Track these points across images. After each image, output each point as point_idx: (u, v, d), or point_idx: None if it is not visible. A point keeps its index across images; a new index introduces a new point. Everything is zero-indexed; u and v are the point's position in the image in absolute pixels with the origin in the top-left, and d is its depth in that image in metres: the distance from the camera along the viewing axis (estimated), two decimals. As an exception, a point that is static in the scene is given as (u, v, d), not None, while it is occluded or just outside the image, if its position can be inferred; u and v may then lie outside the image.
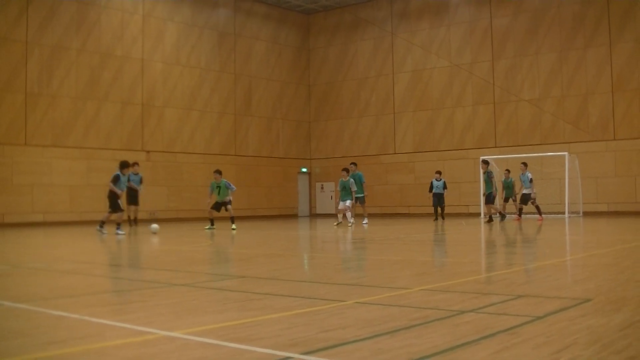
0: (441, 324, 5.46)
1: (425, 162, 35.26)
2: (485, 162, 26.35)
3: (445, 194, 28.62)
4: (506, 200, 27.34)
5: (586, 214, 30.46)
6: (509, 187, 26.99)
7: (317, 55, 40.87)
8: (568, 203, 29.78)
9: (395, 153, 37.33)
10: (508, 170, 27.41)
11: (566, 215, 29.40)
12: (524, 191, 26.86)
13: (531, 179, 26.78)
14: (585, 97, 31.86)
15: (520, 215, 27.19)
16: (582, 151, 31.29)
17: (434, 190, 28.55)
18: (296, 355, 4.34)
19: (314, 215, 39.98)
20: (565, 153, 30.10)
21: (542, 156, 31.18)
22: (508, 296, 6.81)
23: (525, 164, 27.17)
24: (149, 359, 4.37)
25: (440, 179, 28.33)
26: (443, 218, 28.58)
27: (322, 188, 40.46)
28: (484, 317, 5.79)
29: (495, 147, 33.78)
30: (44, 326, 5.69)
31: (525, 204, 27.02)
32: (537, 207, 26.95)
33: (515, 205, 27.46)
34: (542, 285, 7.84)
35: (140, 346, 4.81)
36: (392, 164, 37.21)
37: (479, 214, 28.88)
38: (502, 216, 26.55)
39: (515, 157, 30.47)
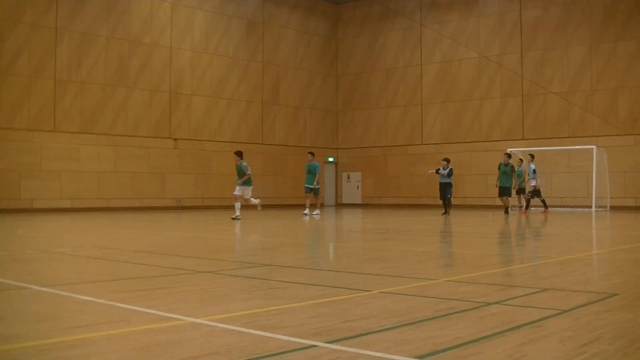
0: (466, 315, 5.45)
1: (452, 154, 35.09)
2: (508, 155, 26.23)
3: (451, 181, 26.56)
4: (518, 192, 27.20)
5: (613, 208, 30.23)
6: (519, 176, 26.85)
7: (346, 45, 40.79)
8: (595, 197, 29.58)
9: (422, 144, 37.20)
10: (521, 160, 27.47)
11: (593, 209, 29.20)
12: (532, 183, 26.84)
13: (534, 169, 26.70)
14: (614, 91, 31.54)
15: (527, 208, 27.18)
16: (611, 145, 31.01)
17: (440, 180, 26.64)
18: (320, 344, 4.35)
19: (339, 205, 39.98)
20: (594, 147, 29.88)
21: (570, 149, 30.98)
22: (533, 289, 6.78)
23: (532, 156, 27.13)
24: (174, 345, 4.39)
25: (447, 167, 26.38)
26: (447, 212, 26.10)
27: (348, 178, 40.43)
28: (509, 309, 5.76)
29: (523, 139, 33.54)
30: (70, 310, 5.74)
31: (536, 197, 27.04)
32: (543, 200, 27.09)
33: (523, 199, 27.40)
34: (568, 278, 7.78)
35: (165, 332, 4.83)
36: (419, 155, 37.08)
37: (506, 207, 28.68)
38: (507, 209, 26.25)
39: (542, 149, 30.29)
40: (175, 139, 32.36)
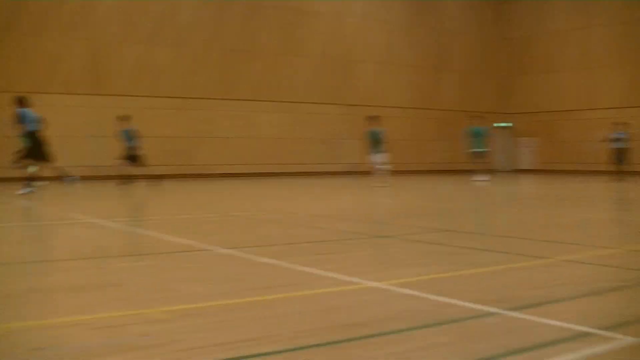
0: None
1: (633, 119, 33.42)
2: None
3: (627, 146, 25.40)
4: None
5: None
6: None
7: (516, 8, 39.53)
8: None
9: (599, 109, 35.63)
10: None
11: None
12: None
13: None
14: None
15: None
16: None
17: (614, 145, 25.51)
18: (502, 311, 4.27)
19: (514, 171, 39.13)
20: None
21: None
22: None
23: None
24: (354, 308, 4.44)
25: (623, 132, 25.33)
26: (622, 177, 24.96)
27: (521, 143, 39.45)
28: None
29: None
30: (250, 273, 5.91)
31: None
32: None
33: None
34: None
35: (345, 295, 4.89)
36: (596, 120, 35.53)
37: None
38: None
39: None
40: (347, 106, 32.57)
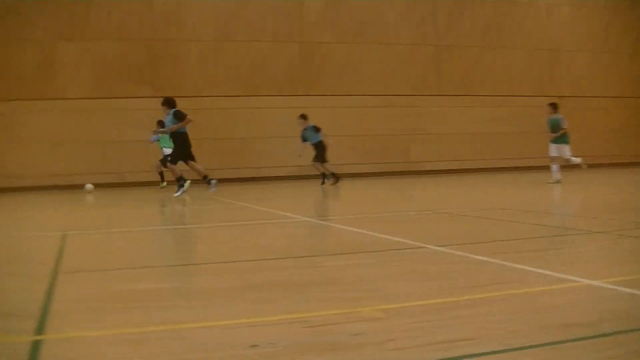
0: None
1: None
2: None
3: None
4: None
5: None
6: None
7: None
8: None
9: None
10: None
11: None
12: None
13: None
14: None
15: None
16: None
17: None
18: None
19: None
20: None
21: None
22: None
23: None
24: (568, 308, 4.30)
25: None
26: None
27: None
28: None
29: None
30: (467, 270, 5.85)
31: None
32: None
33: None
34: None
35: (561, 294, 4.74)
36: None
37: None
38: None
39: None
40: (560, 97, 31.50)
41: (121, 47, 25.52)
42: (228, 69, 26.67)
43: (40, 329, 4.12)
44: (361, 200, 16.11)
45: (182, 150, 16.87)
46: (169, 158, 17.63)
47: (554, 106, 19.66)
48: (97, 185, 22.03)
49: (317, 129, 21.18)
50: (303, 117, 21.57)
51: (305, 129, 21.42)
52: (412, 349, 3.48)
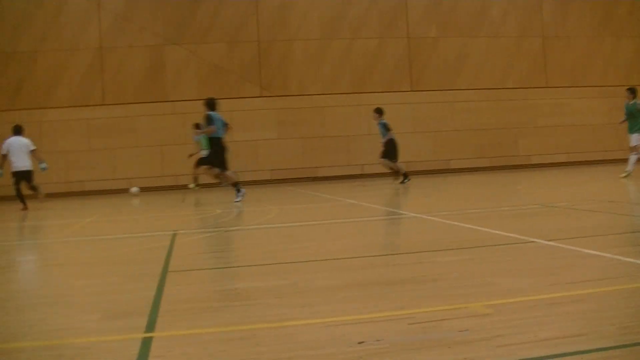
0: None
1: None
2: None
3: None
4: None
5: None
6: None
7: None
8: None
9: None
10: None
11: None
12: None
13: None
14: None
15: None
16: None
17: None
18: None
19: None
20: None
21: None
22: None
23: None
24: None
25: None
26: None
27: None
28: None
29: None
30: (578, 265, 5.74)
31: None
32: None
33: None
34: None
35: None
36: None
37: None
38: None
39: None
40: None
41: (227, 48, 26.00)
42: (334, 68, 26.83)
43: (150, 327, 4.26)
44: (468, 196, 15.93)
45: (215, 155, 15.93)
46: (205, 161, 17.17)
47: (632, 91, 18.54)
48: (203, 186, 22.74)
49: (386, 127, 20.32)
50: (377, 111, 20.71)
51: (377, 124, 20.64)
52: (520, 345, 3.45)
